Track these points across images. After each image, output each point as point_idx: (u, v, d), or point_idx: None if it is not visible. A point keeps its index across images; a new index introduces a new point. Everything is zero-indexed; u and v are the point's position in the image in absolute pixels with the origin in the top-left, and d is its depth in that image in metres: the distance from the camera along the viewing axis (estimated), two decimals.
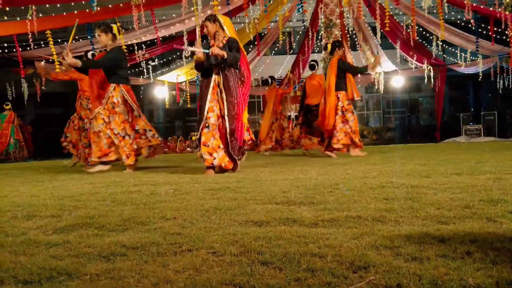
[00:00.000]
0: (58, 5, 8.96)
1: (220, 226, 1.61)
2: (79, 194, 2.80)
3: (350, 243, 1.31)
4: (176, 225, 1.67)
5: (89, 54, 6.30)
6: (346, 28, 11.88)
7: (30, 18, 8.55)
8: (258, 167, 4.97)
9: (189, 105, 15.41)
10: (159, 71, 15.29)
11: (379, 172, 3.57)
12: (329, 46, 6.78)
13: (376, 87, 15.38)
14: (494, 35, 11.32)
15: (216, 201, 2.25)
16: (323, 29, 9.25)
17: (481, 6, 10.27)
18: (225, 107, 4.17)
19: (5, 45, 10.23)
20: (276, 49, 14.89)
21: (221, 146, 4.16)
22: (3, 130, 12.20)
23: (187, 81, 15.25)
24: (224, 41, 4.30)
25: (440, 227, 1.50)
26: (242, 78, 4.39)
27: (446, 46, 13.75)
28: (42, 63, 11.53)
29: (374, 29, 11.82)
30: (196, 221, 1.73)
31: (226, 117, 4.18)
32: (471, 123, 15.17)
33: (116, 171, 4.84)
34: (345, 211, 1.85)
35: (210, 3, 9.84)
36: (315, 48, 14.13)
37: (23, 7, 8.63)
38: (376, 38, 11.40)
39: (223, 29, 4.33)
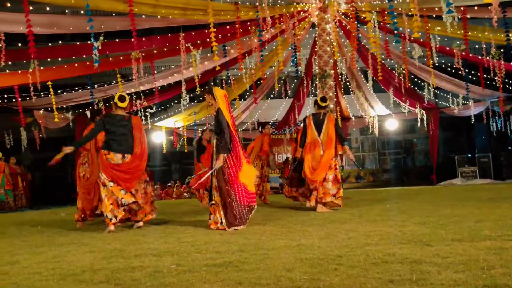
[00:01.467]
0: (59, 59, 9.13)
1: None
2: (81, 271, 2.78)
3: None
4: None
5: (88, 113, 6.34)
6: (340, 76, 12.20)
7: (31, 70, 8.71)
8: (258, 224, 4.96)
9: (185, 150, 15.50)
10: (157, 117, 15.47)
11: (380, 237, 3.58)
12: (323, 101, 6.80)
13: (370, 130, 15.62)
14: (484, 81, 11.66)
15: (221, 286, 2.24)
16: (317, 79, 9.48)
17: (470, 55, 10.62)
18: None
19: (5, 96, 10.37)
20: (272, 95, 15.18)
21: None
22: None
23: (185, 126, 15.42)
24: (215, 112, 4.93)
25: None
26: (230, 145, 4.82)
27: (438, 92, 14.09)
28: (41, 112, 11.70)
29: (366, 74, 12.16)
30: None
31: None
32: (467, 165, 15.29)
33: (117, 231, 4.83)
34: None
35: (208, 55, 10.14)
36: (310, 93, 14.43)
37: (25, 61, 8.83)
38: (368, 84, 11.72)
39: (215, 100, 4.94)
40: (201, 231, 4.56)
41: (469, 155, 16.81)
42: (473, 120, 13.67)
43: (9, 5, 6.52)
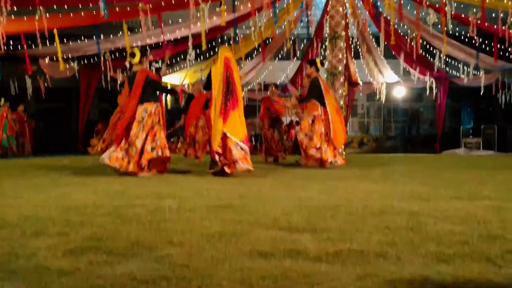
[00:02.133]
0: (66, 6, 8.94)
1: (227, 257, 1.65)
2: (84, 206, 2.84)
3: (354, 286, 1.35)
4: (184, 253, 1.71)
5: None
6: (351, 39, 11.93)
7: (37, 17, 8.56)
8: (259, 177, 5.02)
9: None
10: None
11: (380, 194, 3.60)
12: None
13: (377, 96, 15.46)
14: (496, 51, 11.38)
15: (220, 224, 2.29)
16: (327, 40, 9.28)
17: (486, 24, 10.32)
18: None
19: (11, 42, 10.25)
20: (279, 55, 14.93)
21: None
22: None
23: (190, 83, 15.30)
24: None
25: (440, 269, 1.54)
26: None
27: (449, 60, 13.81)
28: (46, 60, 11.61)
29: (377, 39, 11.90)
30: (202, 249, 1.77)
31: None
32: (471, 136, 15.24)
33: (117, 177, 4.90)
34: (347, 243, 1.89)
35: (217, 9, 9.90)
36: (319, 56, 14.17)
37: (30, 7, 8.66)
38: (379, 49, 11.49)
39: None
40: (203, 180, 4.62)
41: (474, 126, 16.69)
42: (482, 91, 13.46)
43: None
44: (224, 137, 5.18)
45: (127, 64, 6.72)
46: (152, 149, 5.17)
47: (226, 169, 5.10)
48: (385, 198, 3.32)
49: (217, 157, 5.20)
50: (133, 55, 5.42)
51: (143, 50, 5.83)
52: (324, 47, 11.61)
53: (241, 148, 5.24)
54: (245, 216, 2.50)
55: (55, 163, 8.04)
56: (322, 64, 6.96)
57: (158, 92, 5.83)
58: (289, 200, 3.18)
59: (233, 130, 5.22)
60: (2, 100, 12.43)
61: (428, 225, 2.32)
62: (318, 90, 6.63)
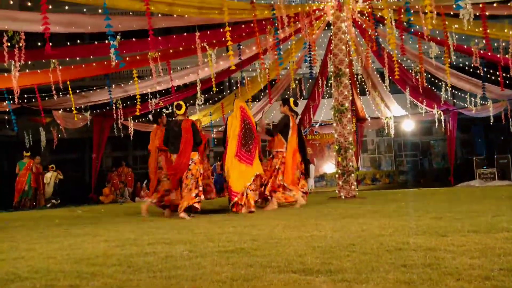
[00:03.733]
0: (78, 58, 9.28)
1: None
2: (95, 256, 2.82)
3: None
4: None
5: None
6: (355, 76, 12.10)
7: (51, 69, 8.87)
8: (271, 218, 4.96)
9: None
10: (172, 118, 15.58)
11: (394, 229, 3.53)
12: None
13: (386, 131, 15.46)
14: (502, 80, 11.42)
15: (232, 269, 2.24)
16: (332, 78, 9.43)
17: (488, 53, 10.43)
18: None
19: (25, 96, 10.59)
20: (286, 96, 15.15)
21: None
22: (20, 177, 12.40)
23: (200, 127, 15.50)
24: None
25: None
26: None
27: (456, 92, 13.87)
28: (60, 112, 11.92)
29: (382, 74, 12.05)
30: None
31: None
32: (485, 167, 15.01)
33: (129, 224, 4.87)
34: (364, 283, 1.83)
35: (223, 54, 10.20)
36: (325, 94, 14.36)
37: (44, 61, 9.01)
38: (384, 84, 11.61)
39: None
40: (214, 225, 4.57)
41: (488, 156, 16.46)
42: (491, 121, 13.39)
43: (29, 4, 6.66)
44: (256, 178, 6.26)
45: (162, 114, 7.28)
46: (196, 195, 5.81)
47: (243, 210, 6.02)
48: (400, 234, 3.24)
49: (239, 197, 6.07)
50: (179, 106, 6.09)
51: (186, 102, 6.42)
52: (329, 84, 11.78)
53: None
54: (257, 259, 2.45)
55: (68, 214, 8.07)
56: (296, 104, 7.21)
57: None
58: (302, 241, 3.13)
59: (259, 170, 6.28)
60: (29, 152, 12.73)
61: (446, 260, 2.25)
62: (285, 127, 6.83)
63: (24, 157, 12.70)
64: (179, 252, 2.81)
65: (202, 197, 6.06)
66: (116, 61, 6.34)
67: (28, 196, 12.33)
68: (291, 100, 7.18)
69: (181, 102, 6.20)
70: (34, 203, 12.56)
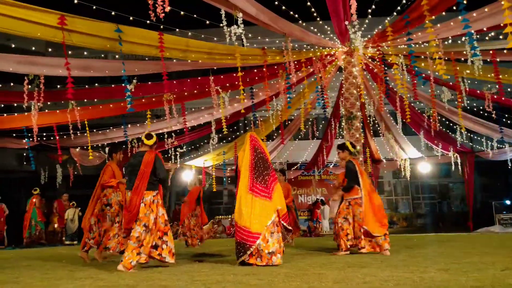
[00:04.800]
0: (95, 100, 9.61)
1: None
2: None
3: None
4: None
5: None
6: (368, 118, 12.14)
7: (69, 110, 9.18)
8: (275, 266, 4.89)
9: (214, 189, 15.62)
10: (187, 156, 15.80)
11: (396, 283, 3.45)
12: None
13: (402, 173, 15.28)
14: None
15: None
16: (344, 121, 9.50)
17: (502, 98, 10.38)
18: None
19: (44, 134, 10.95)
20: (300, 135, 15.25)
21: None
22: (26, 213, 12.61)
23: (213, 166, 15.64)
24: None
25: None
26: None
27: (473, 136, 13.73)
28: (77, 149, 12.23)
29: (395, 116, 12.06)
30: None
31: None
32: (505, 212, 14.57)
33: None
34: None
35: (237, 97, 10.42)
36: (338, 136, 14.40)
37: (63, 102, 9.37)
38: (397, 127, 11.59)
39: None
40: (216, 271, 4.53)
41: (507, 201, 16.01)
42: (510, 165, 13.12)
43: (50, 50, 7.02)
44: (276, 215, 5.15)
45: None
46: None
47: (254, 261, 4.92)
48: None
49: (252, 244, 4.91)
50: (149, 136, 5.31)
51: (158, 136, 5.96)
52: (342, 126, 11.84)
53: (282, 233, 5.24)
54: None
55: (76, 253, 8.08)
56: (354, 147, 6.77)
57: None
58: None
59: (281, 203, 5.25)
60: (37, 190, 13.00)
61: None
62: (355, 173, 6.36)
63: (33, 194, 12.95)
64: None
65: (142, 257, 4.82)
66: (129, 105, 6.58)
67: (33, 232, 12.44)
68: (348, 143, 6.68)
69: (152, 133, 5.40)
70: (42, 241, 12.60)
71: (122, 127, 11.16)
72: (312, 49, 9.61)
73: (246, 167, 5.26)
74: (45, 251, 9.43)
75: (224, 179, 16.29)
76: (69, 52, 6.45)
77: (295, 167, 17.63)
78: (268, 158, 5.49)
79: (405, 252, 6.31)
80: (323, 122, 16.18)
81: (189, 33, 7.55)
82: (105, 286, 3.61)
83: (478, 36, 7.86)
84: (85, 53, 8.43)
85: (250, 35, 7.25)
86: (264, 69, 8.74)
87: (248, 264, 4.93)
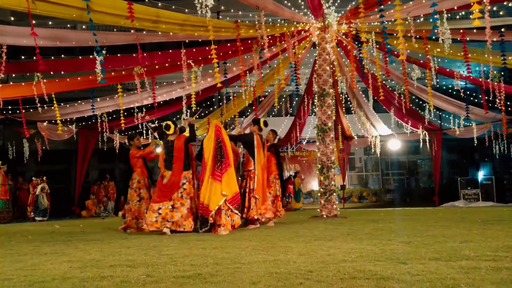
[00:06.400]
0: (62, 72, 9.28)
1: None
2: (51, 279, 2.80)
3: None
4: None
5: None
6: (341, 95, 12.22)
7: (35, 82, 8.85)
8: (243, 240, 4.95)
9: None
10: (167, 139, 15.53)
11: (359, 254, 3.55)
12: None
13: (373, 150, 15.57)
14: (486, 103, 11.60)
15: None
16: (316, 98, 9.53)
17: (471, 77, 10.62)
18: None
19: (9, 107, 10.54)
20: (273, 113, 15.24)
21: None
22: None
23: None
24: None
25: None
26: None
27: (442, 114, 14.05)
28: (45, 124, 11.86)
29: (367, 93, 12.19)
30: None
31: None
32: (469, 188, 15.14)
33: (101, 243, 4.84)
34: None
35: (209, 71, 10.27)
36: (311, 113, 14.47)
37: (28, 74, 9.01)
38: (369, 104, 11.73)
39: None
40: (184, 245, 4.55)
41: (472, 177, 16.64)
42: (475, 143, 13.56)
43: (12, 19, 6.68)
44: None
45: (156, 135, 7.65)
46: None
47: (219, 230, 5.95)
48: (362, 260, 3.26)
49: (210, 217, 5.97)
50: (167, 127, 6.31)
51: (174, 122, 6.57)
52: (315, 103, 11.90)
53: (230, 213, 6.20)
54: (210, 287, 2.45)
55: (45, 229, 7.98)
56: (266, 124, 7.30)
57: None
58: (264, 266, 3.13)
59: (228, 190, 6.15)
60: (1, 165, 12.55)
61: None
62: (251, 145, 7.02)
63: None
64: (136, 277, 2.79)
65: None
66: (102, 76, 6.47)
67: (3, 208, 12.06)
68: (261, 120, 7.30)
69: (169, 122, 6.35)
70: (5, 216, 12.19)
71: (91, 101, 10.86)
72: (286, 24, 9.51)
73: (209, 155, 6.22)
74: (11, 227, 9.24)
75: (197, 153, 16.19)
76: (34, 22, 6.16)
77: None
78: (227, 147, 6.37)
79: (371, 226, 6.50)
80: (296, 99, 16.19)
81: (159, 4, 7.33)
82: (70, 261, 3.57)
83: (449, 15, 7.97)
84: (50, 23, 8.06)
85: (223, 7, 7.10)
86: (237, 43, 8.61)
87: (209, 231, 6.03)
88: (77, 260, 3.60)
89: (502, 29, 8.26)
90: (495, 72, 9.92)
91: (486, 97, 11.29)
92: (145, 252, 4.00)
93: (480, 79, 10.33)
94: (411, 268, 2.89)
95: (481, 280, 2.46)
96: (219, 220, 6.04)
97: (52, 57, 9.20)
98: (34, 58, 8.36)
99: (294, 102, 16.77)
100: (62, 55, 10.28)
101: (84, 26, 8.36)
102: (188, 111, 11.08)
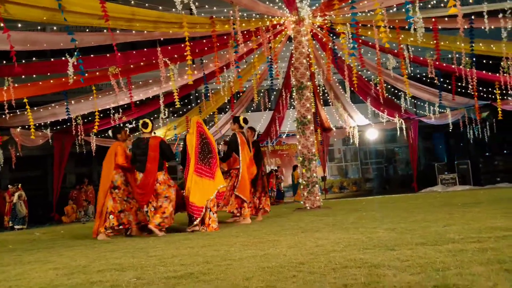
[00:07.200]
0: (34, 76, 9.02)
1: None
2: None
3: None
4: None
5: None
6: (318, 88, 12.29)
7: (5, 87, 8.58)
8: (230, 236, 4.94)
9: (166, 164, 15.37)
10: (137, 132, 15.36)
11: (347, 243, 3.59)
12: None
13: (351, 140, 15.76)
14: (458, 89, 11.88)
15: None
16: (295, 91, 9.56)
17: (444, 64, 10.84)
18: None
19: None
20: (252, 107, 15.23)
21: None
22: None
23: (165, 141, 15.32)
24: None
25: None
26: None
27: (417, 101, 14.31)
28: (18, 129, 11.52)
29: (344, 85, 12.31)
30: None
31: None
32: (446, 172, 15.52)
33: (85, 247, 4.74)
34: None
35: (186, 68, 10.16)
36: (290, 106, 14.52)
37: None
38: (346, 95, 11.86)
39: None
40: (171, 245, 4.51)
41: (448, 162, 17.05)
42: (450, 128, 13.90)
43: None
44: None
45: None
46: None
47: (204, 228, 5.97)
48: (351, 249, 3.30)
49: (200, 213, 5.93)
50: (145, 125, 6.15)
51: (151, 121, 6.38)
52: (293, 96, 11.95)
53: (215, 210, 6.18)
54: (203, 285, 2.43)
55: (25, 237, 7.77)
56: (245, 122, 7.30)
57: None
58: (254, 261, 3.12)
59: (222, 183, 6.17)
60: None
61: (387, 278, 2.30)
62: (235, 145, 6.99)
63: None
64: (127, 280, 2.75)
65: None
66: (82, 76, 6.35)
67: None
68: (241, 118, 7.30)
69: (147, 120, 6.18)
70: None
71: (65, 103, 10.59)
72: (261, 18, 9.49)
73: (192, 151, 6.09)
74: None
75: (177, 153, 16.07)
76: (1, 25, 5.94)
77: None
78: (212, 142, 6.33)
79: (355, 215, 6.59)
80: (274, 93, 16.22)
81: (132, 1, 7.19)
82: (55, 268, 3.49)
83: (421, 4, 8.10)
84: (19, 25, 7.81)
85: (197, 3, 7.01)
86: (213, 39, 8.55)
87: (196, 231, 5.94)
88: (63, 267, 3.52)
89: (472, 17, 8.45)
90: (467, 58, 10.14)
91: (459, 83, 11.56)
92: (132, 255, 3.94)
93: (453, 66, 10.57)
94: (400, 254, 2.94)
95: (469, 262, 2.52)
96: (205, 215, 6.01)
97: (23, 61, 8.89)
98: (4, 62, 8.18)
99: (272, 97, 16.80)
100: (34, 58, 9.98)
101: (55, 28, 8.09)
102: (166, 109, 10.96)
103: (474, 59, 10.60)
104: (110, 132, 6.85)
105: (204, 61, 10.28)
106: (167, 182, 5.99)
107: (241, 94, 13.51)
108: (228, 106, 14.38)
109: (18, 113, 10.34)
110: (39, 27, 9.02)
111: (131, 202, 6.18)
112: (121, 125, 11.41)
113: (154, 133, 6.73)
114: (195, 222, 5.90)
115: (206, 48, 9.72)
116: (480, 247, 2.96)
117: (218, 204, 6.46)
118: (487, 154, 17.89)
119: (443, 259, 2.66)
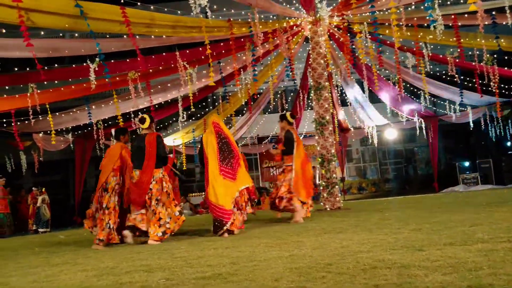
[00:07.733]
0: (56, 82, 9.20)
1: None
2: None
3: None
4: None
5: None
6: (336, 88, 12.22)
7: (29, 93, 8.77)
8: (254, 238, 4.95)
9: (184, 167, 15.50)
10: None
11: (373, 244, 3.56)
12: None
13: (370, 140, 15.62)
14: (479, 87, 11.67)
15: None
16: (312, 91, 9.53)
17: (464, 61, 10.66)
18: None
19: (4, 120, 10.44)
20: (270, 109, 15.24)
21: None
22: None
23: (183, 144, 15.47)
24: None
25: None
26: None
27: (436, 100, 14.11)
28: (40, 135, 11.77)
29: (362, 84, 12.21)
30: None
31: None
32: (468, 172, 15.24)
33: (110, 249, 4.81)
34: None
35: (204, 71, 10.24)
36: (307, 107, 14.49)
37: (22, 85, 8.93)
38: (364, 95, 11.77)
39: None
40: (195, 247, 4.54)
41: (470, 161, 16.74)
42: (471, 127, 13.65)
43: (4, 31, 6.61)
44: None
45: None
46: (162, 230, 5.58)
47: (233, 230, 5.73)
48: (378, 250, 3.26)
49: (227, 217, 5.60)
50: (142, 120, 5.85)
51: (151, 116, 6.11)
52: (310, 97, 11.91)
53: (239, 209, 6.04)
54: (232, 286, 2.44)
55: (50, 240, 7.92)
56: (293, 117, 7.17)
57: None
58: (281, 261, 3.12)
59: (246, 182, 6.05)
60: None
61: (419, 278, 2.27)
62: (291, 142, 6.89)
63: None
64: (156, 281, 2.78)
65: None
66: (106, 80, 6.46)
67: (4, 222, 11.95)
68: (287, 114, 7.14)
69: (145, 116, 5.88)
70: (6, 230, 12.06)
71: (86, 108, 10.78)
72: (278, 20, 9.50)
73: (213, 151, 5.83)
74: (14, 241, 9.17)
75: (195, 156, 16.17)
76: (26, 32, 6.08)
77: (265, 140, 17.72)
78: (232, 141, 6.07)
79: (377, 216, 6.52)
80: (291, 94, 16.19)
81: (151, 7, 7.29)
82: (84, 270, 3.55)
83: (440, 1, 7.99)
84: (42, 33, 7.99)
85: (215, 6, 7.08)
86: (230, 42, 8.59)
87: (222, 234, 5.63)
88: (91, 268, 3.58)
89: (493, 12, 8.30)
90: (488, 55, 9.96)
91: (480, 81, 11.36)
92: (158, 256, 3.98)
93: (474, 63, 10.39)
94: (429, 254, 2.90)
95: (501, 261, 2.47)
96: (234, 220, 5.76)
97: (46, 68, 9.09)
98: (28, 69, 8.36)
99: (289, 98, 16.77)
100: (56, 65, 10.19)
101: (76, 34, 8.26)
102: (185, 113, 11.05)
103: (495, 55, 10.41)
104: (113, 131, 6.73)
105: (222, 64, 10.34)
106: (162, 182, 5.67)
107: (257, 96, 13.54)
108: (245, 108, 14.43)
109: (41, 118, 10.56)
110: (61, 34, 9.19)
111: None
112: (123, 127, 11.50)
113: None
114: (225, 227, 5.55)
115: (223, 51, 9.77)
116: (511, 246, 2.90)
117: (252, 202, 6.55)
118: (510, 152, 17.50)
119: (474, 259, 2.61)
